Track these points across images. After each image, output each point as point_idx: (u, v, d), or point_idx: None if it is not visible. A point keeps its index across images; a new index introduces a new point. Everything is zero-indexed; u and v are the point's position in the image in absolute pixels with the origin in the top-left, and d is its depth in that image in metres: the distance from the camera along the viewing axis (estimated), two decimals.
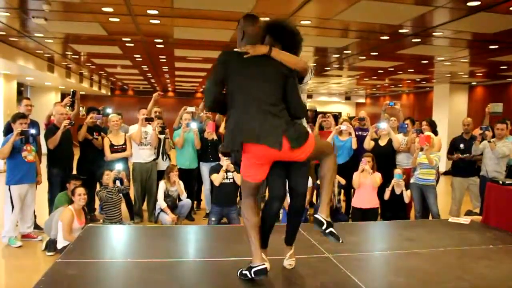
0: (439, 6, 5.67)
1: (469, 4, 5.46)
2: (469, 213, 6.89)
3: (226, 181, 6.37)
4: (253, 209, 2.96)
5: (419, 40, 7.77)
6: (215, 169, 6.43)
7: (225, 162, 6.30)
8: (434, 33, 7.19)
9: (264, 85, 2.80)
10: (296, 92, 2.94)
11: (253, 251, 2.88)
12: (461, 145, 7.02)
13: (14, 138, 5.52)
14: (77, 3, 5.99)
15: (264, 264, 2.82)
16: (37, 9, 6.38)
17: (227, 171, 6.34)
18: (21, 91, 15.41)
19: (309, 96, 23.03)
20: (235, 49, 2.96)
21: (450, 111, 14.71)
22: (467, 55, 9.36)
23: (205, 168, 7.19)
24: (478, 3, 5.39)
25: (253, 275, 2.84)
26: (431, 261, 3.53)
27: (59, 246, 5.19)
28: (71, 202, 5.53)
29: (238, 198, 7.37)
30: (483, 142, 6.55)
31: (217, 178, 6.32)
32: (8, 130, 5.94)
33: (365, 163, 6.29)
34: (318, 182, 6.59)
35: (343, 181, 6.60)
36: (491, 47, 8.16)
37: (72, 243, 3.80)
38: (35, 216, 6.16)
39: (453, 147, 7.21)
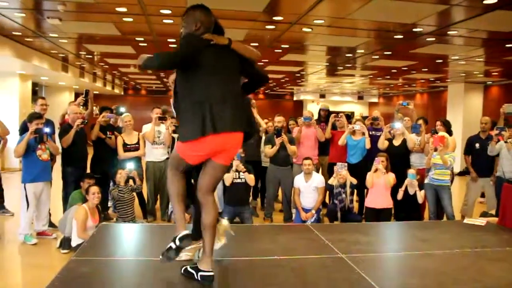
0: (454, 4, 5.60)
1: (485, 2, 5.39)
2: (484, 214, 6.81)
3: (238, 180, 6.38)
4: (181, 178, 2.96)
5: (433, 39, 7.69)
6: (228, 169, 6.43)
7: (234, 162, 6.30)
8: (449, 32, 7.12)
9: (229, 76, 2.90)
10: (255, 64, 3.12)
11: (178, 221, 2.92)
12: (477, 145, 6.93)
13: (28, 137, 5.58)
14: (91, 3, 6.04)
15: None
16: (52, 9, 6.45)
17: (237, 171, 6.34)
18: (36, 91, 15.58)
19: (322, 96, 22.97)
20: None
21: (465, 111, 14.55)
22: (483, 54, 9.25)
23: None
24: (495, 1, 5.32)
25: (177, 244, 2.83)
26: (446, 262, 3.49)
27: (73, 244, 5.24)
28: (85, 200, 5.58)
29: (251, 198, 7.38)
30: (499, 143, 6.46)
31: (227, 178, 6.33)
32: (24, 129, 6.00)
33: (379, 162, 6.26)
34: (329, 182, 6.59)
35: (354, 181, 6.57)
36: (507, 45, 8.05)
37: (86, 241, 3.83)
38: (49, 214, 6.23)
39: (469, 146, 7.13)
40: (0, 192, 7.04)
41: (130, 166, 6.41)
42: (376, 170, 6.29)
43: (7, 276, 4.87)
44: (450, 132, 6.77)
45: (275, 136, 6.87)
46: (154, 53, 2.74)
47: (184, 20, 2.94)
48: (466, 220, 5.03)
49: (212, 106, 2.73)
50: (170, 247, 2.84)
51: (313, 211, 6.55)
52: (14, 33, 8.42)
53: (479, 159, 6.89)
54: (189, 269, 2.90)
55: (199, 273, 2.81)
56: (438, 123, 7.05)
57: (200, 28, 2.90)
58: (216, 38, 2.87)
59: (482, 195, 7.58)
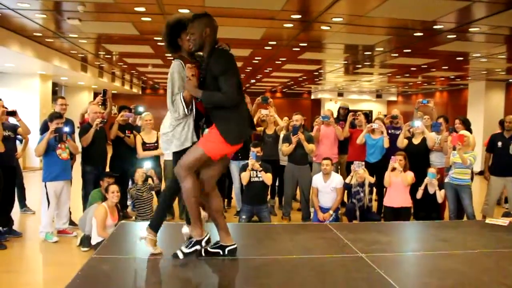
0: (476, 1, 5.50)
1: None
2: (507, 214, 6.68)
3: (256, 179, 6.37)
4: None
5: (454, 36, 7.57)
6: (245, 168, 6.43)
7: (250, 161, 6.29)
8: (470, 29, 7.00)
9: None
10: None
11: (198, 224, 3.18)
12: (499, 143, 6.80)
13: (48, 136, 5.65)
14: (110, 3, 6.10)
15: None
16: (72, 10, 6.52)
17: (253, 169, 6.33)
18: (56, 91, 15.81)
19: (340, 94, 22.82)
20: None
21: (486, 109, 14.28)
22: (505, 51, 9.07)
23: (234, 166, 7.20)
24: None
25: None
26: (467, 263, 3.43)
27: (93, 242, 5.30)
28: (104, 199, 5.64)
29: (269, 197, 7.36)
30: None
31: (244, 177, 6.34)
32: (44, 129, 6.09)
33: (395, 161, 6.19)
34: (347, 181, 6.55)
35: (372, 180, 6.52)
36: None
37: (106, 239, 3.87)
38: (70, 213, 6.31)
39: (491, 144, 7.01)
40: (21, 191, 7.16)
41: (148, 165, 6.47)
42: (393, 169, 6.23)
43: (29, 273, 4.95)
44: (469, 131, 6.67)
45: (291, 134, 6.85)
46: (218, 94, 2.95)
47: (192, 27, 3.07)
48: (488, 220, 4.94)
49: (245, 112, 3.15)
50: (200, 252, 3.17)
51: (331, 212, 6.50)
52: (35, 34, 8.55)
53: (501, 158, 6.76)
54: (211, 250, 3.18)
55: (227, 249, 3.16)
56: (457, 121, 6.96)
57: (209, 33, 3.05)
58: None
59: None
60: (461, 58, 10.15)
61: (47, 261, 5.38)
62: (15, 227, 6.14)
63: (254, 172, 6.36)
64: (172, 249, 3.22)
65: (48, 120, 5.97)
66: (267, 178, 6.38)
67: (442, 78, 14.94)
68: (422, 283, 3.09)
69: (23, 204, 7.22)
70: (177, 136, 3.13)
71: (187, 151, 3.08)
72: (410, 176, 6.24)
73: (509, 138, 6.68)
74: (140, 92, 24.02)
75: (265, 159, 6.65)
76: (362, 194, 6.42)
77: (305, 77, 16.57)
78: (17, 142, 6.47)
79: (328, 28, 7.29)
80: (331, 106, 20.17)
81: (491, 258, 3.55)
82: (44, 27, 7.93)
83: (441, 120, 6.96)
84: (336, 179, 6.64)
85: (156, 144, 6.90)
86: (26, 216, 7.10)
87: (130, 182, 6.97)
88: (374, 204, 7.02)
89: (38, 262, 5.46)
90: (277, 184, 7.79)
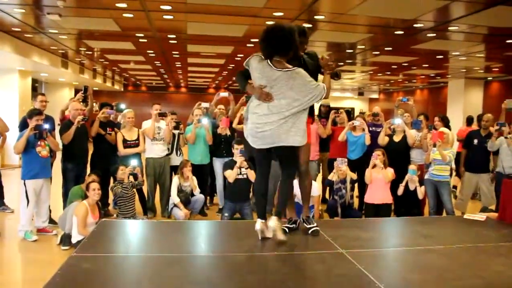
0: (455, 0, 5.58)
1: None
2: (484, 209, 6.81)
3: (240, 176, 6.36)
4: None
5: (434, 34, 7.68)
6: (229, 165, 6.42)
7: (238, 159, 6.29)
8: (449, 28, 7.10)
9: None
10: None
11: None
12: (475, 141, 6.92)
13: (28, 133, 5.56)
14: None
15: None
16: (52, 5, 6.43)
17: (240, 167, 6.32)
18: (36, 87, 15.57)
19: None
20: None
21: (465, 106, 14.54)
22: (483, 50, 9.24)
23: (218, 163, 7.19)
24: None
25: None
26: (446, 258, 3.47)
27: (74, 240, 5.24)
28: (85, 196, 5.57)
29: (251, 194, 7.36)
30: (499, 138, 6.47)
31: (231, 175, 6.32)
32: (24, 126, 6.00)
33: (376, 157, 6.25)
34: (329, 177, 6.57)
35: (354, 176, 6.56)
36: (508, 41, 8.04)
37: (86, 237, 3.82)
38: (50, 211, 6.23)
39: (468, 140, 7.13)
40: (0, 189, 7.04)
41: (134, 163, 6.42)
42: (374, 166, 6.28)
43: (8, 272, 4.88)
44: (448, 128, 6.78)
45: None
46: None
47: (306, 38, 3.70)
48: (466, 216, 5.02)
49: None
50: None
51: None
52: (13, 29, 8.40)
53: (475, 155, 6.90)
54: (290, 226, 3.76)
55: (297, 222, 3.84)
56: (436, 119, 7.09)
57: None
58: None
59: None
60: (441, 56, 10.31)
61: (27, 260, 5.31)
62: None
63: (239, 169, 6.35)
64: (158, 248, 3.18)
65: (27, 116, 5.87)
66: (252, 175, 6.37)
67: (423, 76, 15.14)
68: (403, 278, 3.13)
69: (1, 203, 7.10)
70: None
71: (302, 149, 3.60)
72: (390, 172, 6.31)
73: (485, 136, 6.82)
74: (122, 89, 23.80)
75: (248, 156, 6.64)
76: (344, 191, 6.45)
77: None
78: None
79: (310, 26, 7.32)
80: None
81: (470, 253, 3.61)
82: (23, 22, 7.80)
83: (421, 117, 7.04)
84: (313, 188, 6.47)
85: (137, 141, 6.85)
86: (5, 215, 6.98)
87: (111, 180, 6.90)
88: (356, 201, 7.08)
89: (17, 261, 5.39)
90: None
